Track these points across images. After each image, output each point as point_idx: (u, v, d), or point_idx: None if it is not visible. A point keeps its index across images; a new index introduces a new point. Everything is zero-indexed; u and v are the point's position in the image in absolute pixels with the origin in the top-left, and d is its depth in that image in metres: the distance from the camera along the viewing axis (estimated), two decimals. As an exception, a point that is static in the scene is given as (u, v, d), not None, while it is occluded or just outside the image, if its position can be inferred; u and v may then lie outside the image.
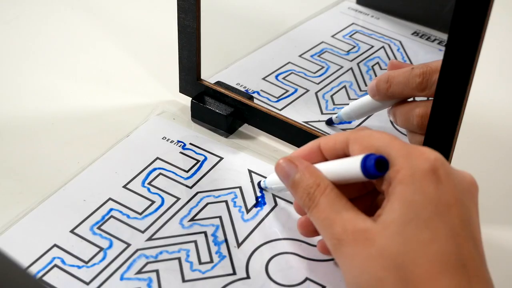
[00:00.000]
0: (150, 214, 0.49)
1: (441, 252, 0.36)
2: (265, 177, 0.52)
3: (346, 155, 0.42)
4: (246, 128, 0.59)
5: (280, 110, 0.59)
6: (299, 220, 0.46)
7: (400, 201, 0.38)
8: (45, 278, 0.45)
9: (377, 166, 0.39)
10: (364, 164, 0.39)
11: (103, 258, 0.46)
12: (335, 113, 0.58)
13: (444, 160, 0.39)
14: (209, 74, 0.61)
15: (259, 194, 0.52)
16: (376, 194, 0.44)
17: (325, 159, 0.44)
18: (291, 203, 0.51)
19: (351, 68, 0.65)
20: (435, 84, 0.45)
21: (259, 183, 0.52)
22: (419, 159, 0.39)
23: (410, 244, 0.37)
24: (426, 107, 0.49)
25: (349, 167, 0.41)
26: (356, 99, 0.61)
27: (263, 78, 0.63)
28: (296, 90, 0.62)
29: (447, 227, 0.37)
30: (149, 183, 0.52)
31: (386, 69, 0.65)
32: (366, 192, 0.44)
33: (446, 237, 0.37)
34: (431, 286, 0.36)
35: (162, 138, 0.56)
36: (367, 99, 0.54)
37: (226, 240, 0.48)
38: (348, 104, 0.57)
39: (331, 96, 0.61)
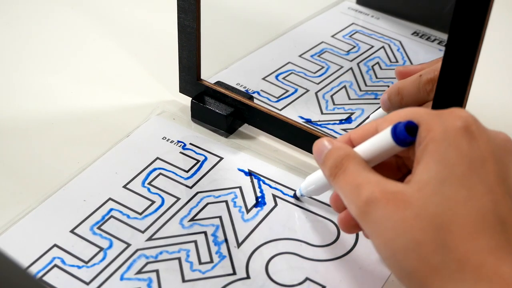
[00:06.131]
0: (150, 214, 0.49)
1: (478, 211, 0.35)
2: (265, 177, 0.52)
3: None
4: (246, 128, 0.59)
5: (280, 110, 0.59)
6: (339, 216, 0.44)
7: (435, 159, 0.37)
8: (45, 278, 0.45)
9: (407, 131, 0.39)
10: (394, 131, 0.39)
11: (103, 258, 0.46)
12: (335, 113, 0.58)
13: (476, 118, 0.38)
14: (209, 74, 0.61)
15: (259, 194, 0.52)
16: None
17: None
18: (291, 203, 0.51)
19: (351, 68, 0.65)
20: None
21: (294, 195, 0.51)
22: (450, 117, 0.38)
23: (447, 204, 0.36)
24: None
25: (380, 139, 0.40)
26: (356, 99, 0.61)
27: (263, 78, 0.63)
28: (296, 90, 0.62)
29: (482, 184, 0.36)
30: (149, 183, 0.52)
31: (386, 69, 0.65)
32: (401, 176, 0.43)
33: (482, 194, 0.36)
34: (469, 246, 0.35)
35: (162, 138, 0.56)
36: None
37: (226, 240, 0.48)
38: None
39: (331, 96, 0.61)
